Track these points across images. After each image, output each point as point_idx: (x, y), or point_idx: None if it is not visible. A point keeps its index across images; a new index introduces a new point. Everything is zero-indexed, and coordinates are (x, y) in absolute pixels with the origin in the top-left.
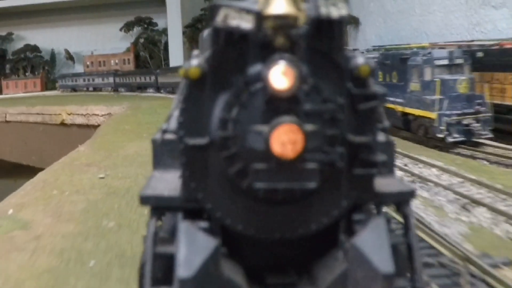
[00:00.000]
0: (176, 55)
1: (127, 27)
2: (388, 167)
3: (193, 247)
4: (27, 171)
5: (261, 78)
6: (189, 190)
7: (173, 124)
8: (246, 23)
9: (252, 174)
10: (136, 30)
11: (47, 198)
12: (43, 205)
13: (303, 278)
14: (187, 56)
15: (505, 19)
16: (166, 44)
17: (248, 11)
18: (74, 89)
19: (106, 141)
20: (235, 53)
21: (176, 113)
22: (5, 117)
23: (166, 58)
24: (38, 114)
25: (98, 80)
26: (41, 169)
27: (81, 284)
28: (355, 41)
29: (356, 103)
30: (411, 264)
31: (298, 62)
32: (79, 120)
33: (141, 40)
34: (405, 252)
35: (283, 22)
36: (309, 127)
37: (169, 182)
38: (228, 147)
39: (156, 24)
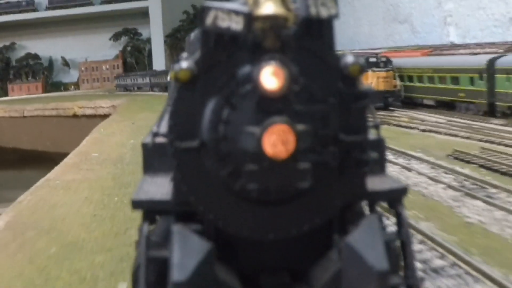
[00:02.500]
0: (158, 61)
1: (116, 36)
2: (379, 165)
3: (187, 250)
4: (33, 163)
5: (252, 79)
6: (181, 193)
7: (163, 127)
8: (236, 24)
9: (244, 175)
10: (124, 39)
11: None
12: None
13: (297, 279)
14: (169, 62)
15: (407, 32)
16: (150, 51)
17: (237, 12)
18: (125, 88)
19: (125, 114)
20: (225, 55)
21: (166, 116)
22: (23, 113)
23: (150, 64)
24: (52, 109)
25: (140, 80)
26: (55, 153)
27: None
28: None
29: (347, 102)
30: (404, 261)
31: (289, 62)
32: (89, 111)
33: (128, 48)
34: (397, 249)
35: (273, 23)
36: (301, 127)
37: (160, 186)
38: (220, 149)
39: (141, 34)
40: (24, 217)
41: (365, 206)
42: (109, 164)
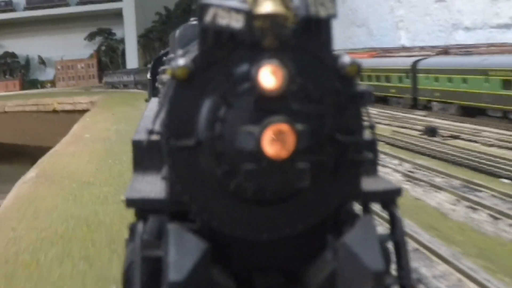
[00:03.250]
0: (132, 60)
1: (91, 36)
2: (372, 166)
3: (183, 250)
4: (15, 157)
5: (250, 77)
6: (175, 192)
7: (157, 125)
8: (236, 23)
9: (242, 174)
10: (98, 39)
11: (97, 121)
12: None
13: (290, 279)
14: (142, 61)
15: (364, 35)
16: (123, 51)
17: (238, 10)
18: (113, 85)
19: (104, 107)
20: (223, 53)
21: (162, 114)
22: (4, 109)
23: (124, 63)
24: (33, 105)
25: (125, 78)
26: (35, 147)
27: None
28: None
29: (344, 102)
30: (398, 262)
31: (288, 61)
32: (68, 107)
33: (103, 48)
34: (388, 249)
35: (273, 22)
36: (300, 126)
37: (152, 184)
38: (216, 147)
39: (114, 34)
40: (47, 171)
41: (355, 207)
42: (100, 142)
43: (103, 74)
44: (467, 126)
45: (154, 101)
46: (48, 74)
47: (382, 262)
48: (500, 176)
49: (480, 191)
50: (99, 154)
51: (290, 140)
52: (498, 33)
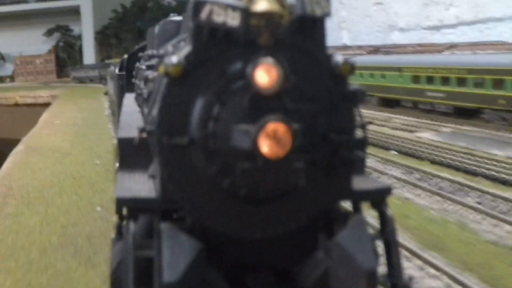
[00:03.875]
0: (89, 56)
1: (49, 32)
2: (360, 165)
3: (176, 250)
4: None
5: (246, 75)
6: (167, 191)
7: (148, 123)
8: (232, 20)
9: (238, 173)
10: (56, 35)
11: (63, 110)
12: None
13: (282, 278)
14: (98, 57)
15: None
16: (81, 47)
17: (234, 8)
18: (80, 80)
19: (67, 100)
20: (217, 50)
21: (154, 112)
22: None
23: (81, 59)
24: None
25: (91, 73)
26: None
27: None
28: None
29: (337, 101)
30: (389, 260)
31: (283, 60)
32: (29, 100)
33: (61, 44)
34: (376, 248)
35: (268, 20)
36: (296, 126)
37: (140, 182)
38: (209, 146)
39: (72, 31)
40: (32, 146)
41: (343, 206)
42: (69, 126)
43: (71, 69)
44: (382, 114)
45: (130, 97)
46: (7, 69)
47: (375, 261)
48: (389, 149)
49: (370, 158)
50: (71, 135)
51: (287, 139)
52: (429, 34)
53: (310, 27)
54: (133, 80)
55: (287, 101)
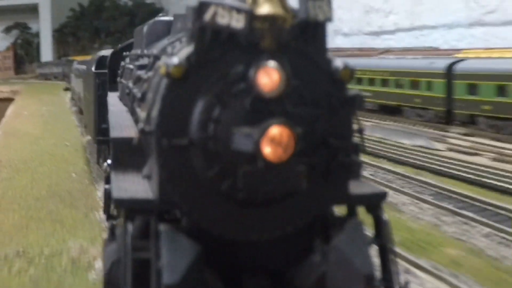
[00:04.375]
0: (46, 54)
1: (7, 30)
2: (356, 170)
3: (176, 252)
4: None
5: (248, 78)
6: (165, 192)
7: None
8: (236, 22)
9: (240, 176)
10: (15, 32)
11: (28, 104)
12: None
13: (278, 281)
14: (56, 54)
15: None
16: (38, 44)
17: (239, 10)
18: (45, 77)
19: (29, 95)
20: (219, 52)
21: (153, 112)
22: None
23: (38, 56)
24: None
25: (55, 70)
26: None
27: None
28: None
29: (336, 106)
30: (383, 265)
31: (285, 64)
32: None
33: (19, 41)
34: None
35: (272, 23)
36: (298, 129)
37: (136, 183)
38: (208, 148)
39: (30, 28)
40: (8, 131)
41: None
42: (37, 117)
43: (37, 66)
44: None
45: (114, 96)
46: None
47: (373, 265)
48: None
49: None
50: (40, 124)
51: (290, 143)
52: (370, 39)
53: (312, 32)
54: (118, 79)
55: (288, 104)
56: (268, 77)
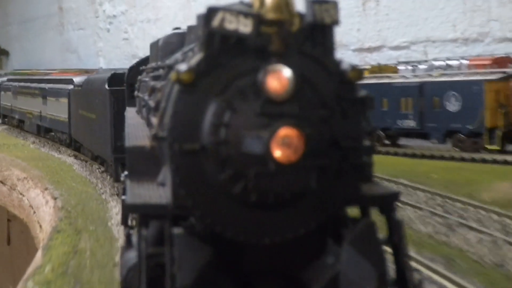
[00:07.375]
0: None
1: None
2: (368, 171)
3: (189, 254)
4: None
5: (257, 82)
6: (178, 197)
7: (160, 130)
8: (244, 27)
9: (251, 178)
10: None
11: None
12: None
13: (290, 283)
14: None
15: (76, 59)
16: None
17: (246, 15)
18: None
19: None
20: (228, 57)
21: (165, 119)
22: None
23: None
24: None
25: None
26: None
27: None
28: None
29: (346, 107)
30: (397, 265)
31: (294, 67)
32: None
33: None
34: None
35: (279, 27)
36: (308, 130)
37: (150, 190)
38: (220, 152)
39: None
40: None
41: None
42: None
43: None
44: None
45: (131, 111)
46: None
47: (386, 265)
48: None
49: None
50: None
51: (299, 144)
52: None
53: (320, 35)
54: (135, 93)
55: (297, 107)
56: (277, 80)
